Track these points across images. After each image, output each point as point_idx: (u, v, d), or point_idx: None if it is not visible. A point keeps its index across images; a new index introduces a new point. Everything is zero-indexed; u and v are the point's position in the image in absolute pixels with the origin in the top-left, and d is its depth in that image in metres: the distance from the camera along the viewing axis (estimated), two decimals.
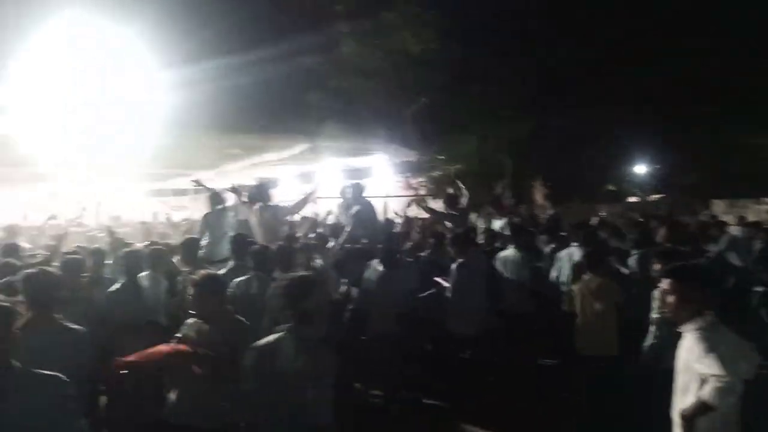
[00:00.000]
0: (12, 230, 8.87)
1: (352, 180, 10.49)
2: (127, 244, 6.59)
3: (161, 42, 12.92)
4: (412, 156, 12.53)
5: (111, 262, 6.07)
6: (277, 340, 3.06)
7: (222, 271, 5.57)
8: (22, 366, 2.51)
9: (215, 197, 8.38)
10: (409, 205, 10.04)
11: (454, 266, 6.11)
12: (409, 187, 13.16)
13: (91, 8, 9.78)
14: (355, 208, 7.96)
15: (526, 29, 11.60)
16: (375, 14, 11.11)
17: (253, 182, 15.65)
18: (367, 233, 7.56)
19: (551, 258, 6.81)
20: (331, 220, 8.72)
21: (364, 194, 8.39)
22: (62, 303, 3.59)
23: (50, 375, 2.54)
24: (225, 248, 6.59)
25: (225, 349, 3.39)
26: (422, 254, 6.97)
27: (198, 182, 9.01)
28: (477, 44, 11.54)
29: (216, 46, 13.17)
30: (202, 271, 3.86)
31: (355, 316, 5.83)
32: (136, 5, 11.80)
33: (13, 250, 5.64)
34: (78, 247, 6.54)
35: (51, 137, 9.36)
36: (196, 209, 17.55)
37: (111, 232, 7.63)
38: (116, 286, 5.16)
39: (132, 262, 5.31)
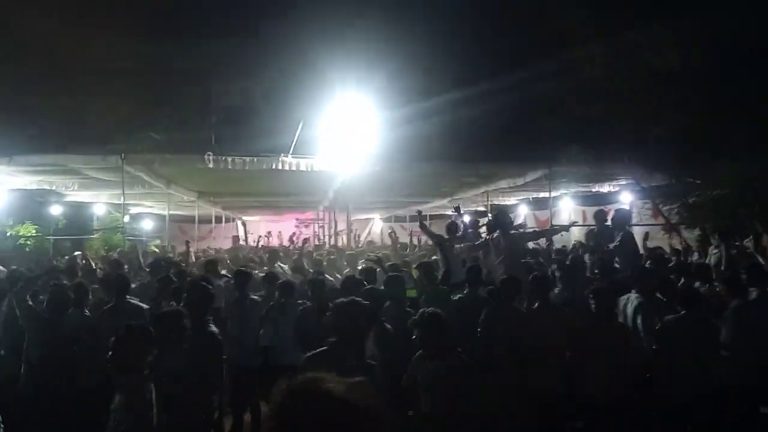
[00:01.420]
0: (274, 253, 9.96)
1: (597, 207, 9.96)
2: (396, 268, 6.95)
3: (405, 80, 14.04)
4: (662, 181, 11.43)
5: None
6: None
7: (456, 297, 5.78)
8: None
9: (453, 226, 8.60)
10: (645, 238, 9.23)
11: (731, 309, 5.19)
12: (659, 214, 12.00)
13: (351, 72, 11.34)
14: (618, 236, 7.39)
15: None
16: (618, 34, 10.38)
17: (483, 208, 16.04)
18: (628, 264, 6.99)
19: None
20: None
21: (627, 223, 7.78)
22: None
23: None
24: (460, 274, 6.66)
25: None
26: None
27: (458, 209, 9.43)
28: (740, 58, 10.16)
29: (455, 79, 13.69)
30: (426, 310, 3.89)
31: None
32: (381, 55, 13.07)
33: (321, 283, 6.01)
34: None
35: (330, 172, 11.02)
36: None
37: (379, 258, 7.98)
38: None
39: (398, 286, 5.59)
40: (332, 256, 10.10)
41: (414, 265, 7.50)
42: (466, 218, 11.06)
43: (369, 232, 23.82)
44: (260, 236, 14.83)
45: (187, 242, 9.89)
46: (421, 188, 14.93)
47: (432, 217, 20.27)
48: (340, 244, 13.99)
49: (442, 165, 11.89)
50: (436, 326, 3.82)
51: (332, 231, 14.19)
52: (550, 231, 8.55)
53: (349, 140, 10.82)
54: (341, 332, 3.27)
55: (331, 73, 12.74)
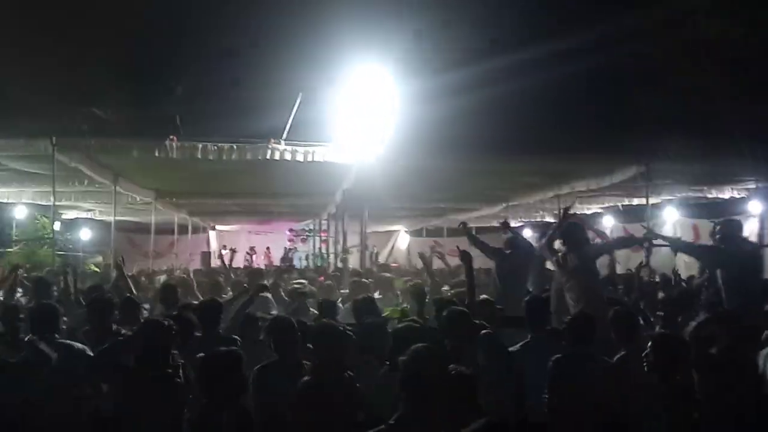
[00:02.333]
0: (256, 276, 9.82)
1: (713, 219, 9.91)
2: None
3: (441, 40, 13.91)
4: None
5: None
6: None
7: (514, 348, 5.69)
8: None
9: (513, 241, 8.74)
10: None
11: None
12: None
13: (368, 30, 11.52)
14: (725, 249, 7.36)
15: None
16: None
17: (552, 219, 15.98)
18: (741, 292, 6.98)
19: None
20: None
21: (736, 238, 7.58)
22: None
23: None
24: (517, 305, 6.70)
25: None
26: None
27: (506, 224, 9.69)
28: None
29: (511, 37, 13.47)
30: (418, 348, 3.75)
31: None
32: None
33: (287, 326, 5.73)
34: None
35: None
36: (478, 256, 18.46)
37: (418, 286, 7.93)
38: None
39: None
40: (328, 282, 10.00)
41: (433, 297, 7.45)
42: (528, 233, 10.78)
43: (391, 250, 23.95)
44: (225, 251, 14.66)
45: (121, 258, 9.76)
46: (465, 190, 14.89)
47: (478, 231, 19.47)
48: (351, 265, 13.89)
49: (494, 158, 11.85)
50: (463, 393, 3.79)
51: (341, 246, 14.13)
52: (627, 240, 8.43)
53: (365, 122, 10.94)
54: (419, 393, 3.41)
55: (340, 30, 12.97)
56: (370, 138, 10.94)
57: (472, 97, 12.55)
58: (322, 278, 11.39)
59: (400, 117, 11.08)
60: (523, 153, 11.97)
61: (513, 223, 16.96)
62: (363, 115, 10.96)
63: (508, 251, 8.72)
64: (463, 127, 11.96)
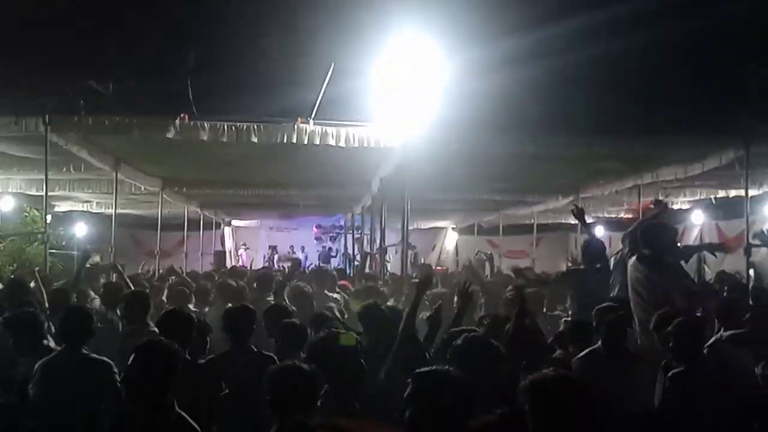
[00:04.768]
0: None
1: None
2: None
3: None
4: None
5: None
6: None
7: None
8: None
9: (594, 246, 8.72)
10: None
11: None
12: None
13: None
14: None
15: None
16: None
17: (629, 215, 15.95)
18: None
19: None
20: None
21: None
22: None
23: None
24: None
25: None
26: None
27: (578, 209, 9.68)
28: None
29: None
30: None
31: None
32: None
33: None
34: None
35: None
36: (541, 258, 18.18)
37: None
38: None
39: None
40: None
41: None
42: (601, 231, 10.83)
43: (440, 252, 24.13)
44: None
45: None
46: (526, 179, 14.79)
47: (541, 228, 20.06)
48: (387, 270, 13.65)
49: (562, 140, 11.53)
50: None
51: (377, 247, 13.97)
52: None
53: (408, 98, 10.82)
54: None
55: None
56: (414, 117, 10.88)
57: (536, 69, 12.34)
58: (346, 283, 11.36)
59: (449, 92, 10.96)
60: (597, 133, 11.55)
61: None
62: (406, 90, 10.86)
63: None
64: (524, 104, 11.80)
